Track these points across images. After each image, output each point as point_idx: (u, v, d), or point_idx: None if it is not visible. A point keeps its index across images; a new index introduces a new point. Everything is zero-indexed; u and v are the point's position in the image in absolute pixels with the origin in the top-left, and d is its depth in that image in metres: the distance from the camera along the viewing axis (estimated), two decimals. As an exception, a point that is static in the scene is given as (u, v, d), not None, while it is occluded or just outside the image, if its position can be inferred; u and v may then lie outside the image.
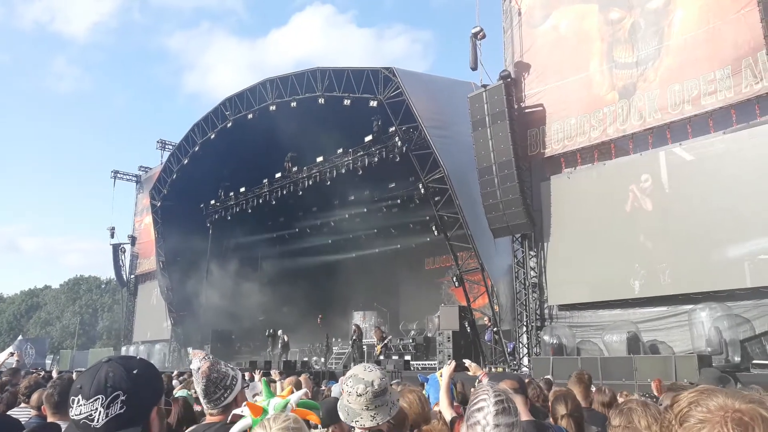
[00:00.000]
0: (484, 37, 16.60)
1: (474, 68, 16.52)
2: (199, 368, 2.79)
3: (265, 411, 2.27)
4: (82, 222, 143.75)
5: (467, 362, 4.52)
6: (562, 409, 3.15)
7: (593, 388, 5.35)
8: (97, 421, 1.39)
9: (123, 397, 1.42)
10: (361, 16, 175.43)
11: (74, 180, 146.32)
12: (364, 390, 2.35)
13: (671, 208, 13.88)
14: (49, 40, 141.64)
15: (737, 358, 12.32)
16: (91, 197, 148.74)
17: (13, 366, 9.74)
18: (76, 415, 1.41)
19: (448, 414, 3.63)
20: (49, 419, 3.63)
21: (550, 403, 3.33)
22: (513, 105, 16.12)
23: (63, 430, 1.93)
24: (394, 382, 6.19)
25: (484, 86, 16.17)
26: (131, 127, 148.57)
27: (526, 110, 16.53)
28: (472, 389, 2.42)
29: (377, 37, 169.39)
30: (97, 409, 1.40)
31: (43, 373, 12.43)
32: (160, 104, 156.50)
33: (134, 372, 1.48)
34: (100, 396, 1.41)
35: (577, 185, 15.77)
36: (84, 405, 1.41)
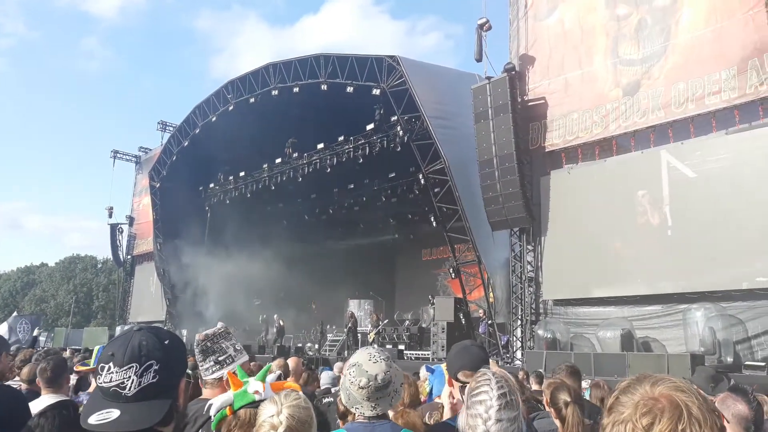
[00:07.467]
0: (489, 28, 16.56)
1: (479, 60, 16.50)
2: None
3: (245, 386, 2.19)
4: (83, 201, 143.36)
5: None
6: (565, 397, 3.17)
7: (584, 384, 5.39)
8: (129, 389, 1.38)
9: (156, 367, 1.41)
10: (397, 7, 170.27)
11: (75, 159, 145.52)
12: (366, 384, 2.26)
13: (672, 211, 13.87)
14: (79, 19, 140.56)
15: (730, 359, 12.37)
16: (94, 176, 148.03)
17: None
18: (105, 382, 1.39)
19: (448, 405, 3.67)
20: (43, 393, 3.64)
21: (548, 392, 3.35)
22: (516, 98, 16.06)
23: (90, 397, 1.89)
24: None
25: (488, 78, 16.11)
26: (153, 108, 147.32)
27: (529, 103, 16.48)
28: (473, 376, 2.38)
29: (409, 32, 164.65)
30: (130, 377, 1.38)
31: (39, 349, 12.45)
32: (183, 86, 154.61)
33: (166, 342, 1.48)
34: (134, 364, 1.39)
35: (577, 181, 15.75)
36: (116, 373, 1.39)
